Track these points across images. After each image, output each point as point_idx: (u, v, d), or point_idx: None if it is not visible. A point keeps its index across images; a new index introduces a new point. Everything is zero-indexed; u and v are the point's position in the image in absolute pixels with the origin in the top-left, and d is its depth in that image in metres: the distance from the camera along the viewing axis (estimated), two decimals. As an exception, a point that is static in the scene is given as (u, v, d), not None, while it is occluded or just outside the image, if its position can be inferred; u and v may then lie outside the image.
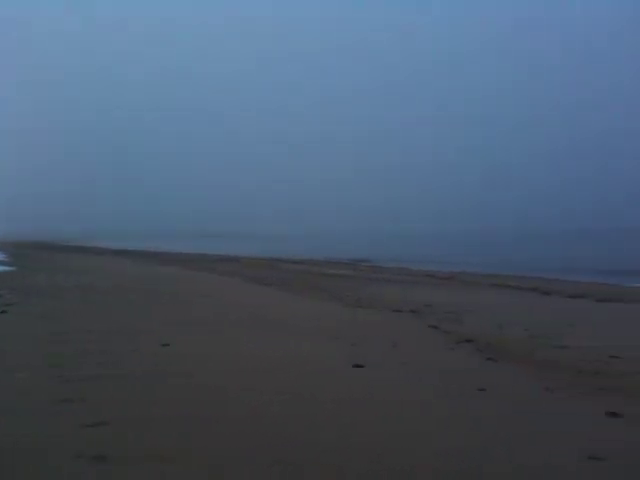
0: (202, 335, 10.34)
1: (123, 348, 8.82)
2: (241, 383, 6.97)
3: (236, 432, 5.21)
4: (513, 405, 6.62)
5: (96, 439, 4.90)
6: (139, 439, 4.97)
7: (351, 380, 7.45)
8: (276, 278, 27.21)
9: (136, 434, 5.07)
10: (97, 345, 8.97)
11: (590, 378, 8.07)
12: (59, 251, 63.33)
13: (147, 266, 36.92)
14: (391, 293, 20.35)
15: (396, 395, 6.80)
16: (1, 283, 21.16)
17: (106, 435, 5.01)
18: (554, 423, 5.97)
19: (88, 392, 6.33)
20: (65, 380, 6.83)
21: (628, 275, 31.82)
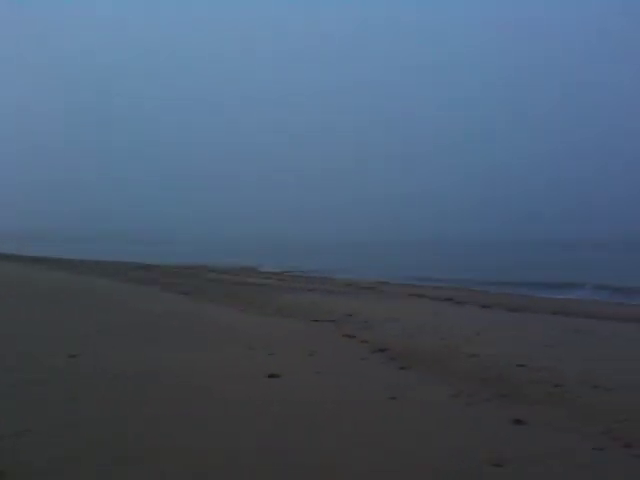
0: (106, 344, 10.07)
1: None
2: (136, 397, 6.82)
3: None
4: (421, 413, 6.76)
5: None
6: None
7: (264, 389, 7.43)
8: (194, 286, 26.81)
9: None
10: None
11: (497, 386, 8.32)
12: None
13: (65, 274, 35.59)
14: (312, 303, 20.39)
15: (307, 405, 6.82)
16: None
17: None
18: (460, 429, 6.14)
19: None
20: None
21: (536, 287, 33.29)
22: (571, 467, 5.09)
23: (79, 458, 4.83)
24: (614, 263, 60.99)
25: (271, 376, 8.05)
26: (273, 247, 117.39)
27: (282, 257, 76.57)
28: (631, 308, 23.05)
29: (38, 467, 4.55)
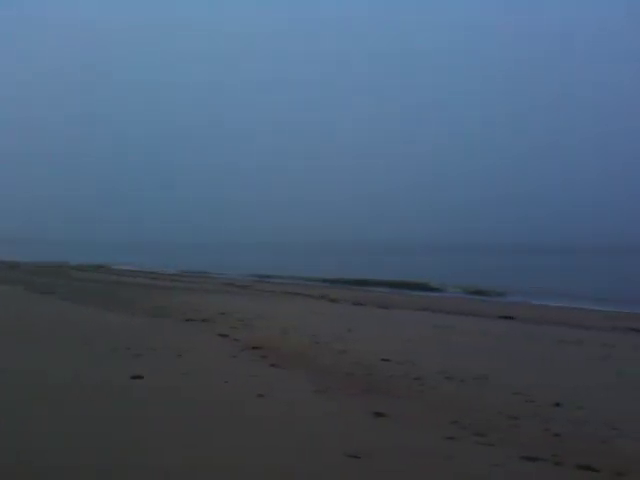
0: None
1: None
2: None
3: None
4: (288, 409, 6.85)
5: None
6: None
7: (125, 391, 7.24)
8: (63, 287, 25.62)
9: None
10: None
11: (362, 381, 8.60)
12: None
13: None
14: (187, 302, 20.09)
15: (169, 406, 6.72)
16: None
17: None
18: (322, 425, 6.29)
19: None
20: None
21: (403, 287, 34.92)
22: (424, 456, 5.35)
23: None
24: (474, 266, 64.99)
25: (134, 377, 7.85)
26: (147, 246, 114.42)
27: (157, 256, 75.02)
28: (491, 305, 24.60)
29: None
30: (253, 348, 10.89)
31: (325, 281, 37.89)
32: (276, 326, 14.05)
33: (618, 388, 8.73)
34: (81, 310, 16.86)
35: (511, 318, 19.03)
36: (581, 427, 6.58)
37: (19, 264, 46.47)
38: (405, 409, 7.07)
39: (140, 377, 7.88)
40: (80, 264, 55.74)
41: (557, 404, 7.57)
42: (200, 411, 6.55)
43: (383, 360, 10.06)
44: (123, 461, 4.80)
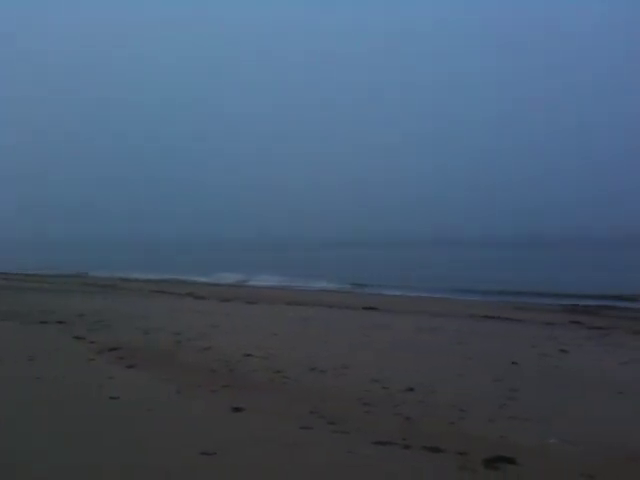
0: None
1: None
2: None
3: None
4: (142, 411, 6.64)
5: None
6: None
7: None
8: None
9: None
10: None
11: (223, 377, 8.51)
12: None
13: None
14: (42, 303, 18.99)
15: (21, 410, 6.32)
16: None
17: None
18: (179, 423, 6.15)
19: None
20: None
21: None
22: (278, 447, 5.37)
23: None
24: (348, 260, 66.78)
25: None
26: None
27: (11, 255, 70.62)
28: (355, 297, 25.29)
29: None
30: (111, 350, 10.46)
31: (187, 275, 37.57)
32: (137, 326, 13.59)
33: (468, 372, 9.23)
34: None
35: (374, 309, 19.66)
36: (431, 410, 6.90)
37: None
38: (264, 402, 7.08)
39: (-18, 385, 7.34)
40: None
41: (410, 389, 7.90)
42: (51, 414, 6.21)
43: (246, 355, 10.03)
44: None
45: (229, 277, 37.59)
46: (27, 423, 5.92)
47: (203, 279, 36.58)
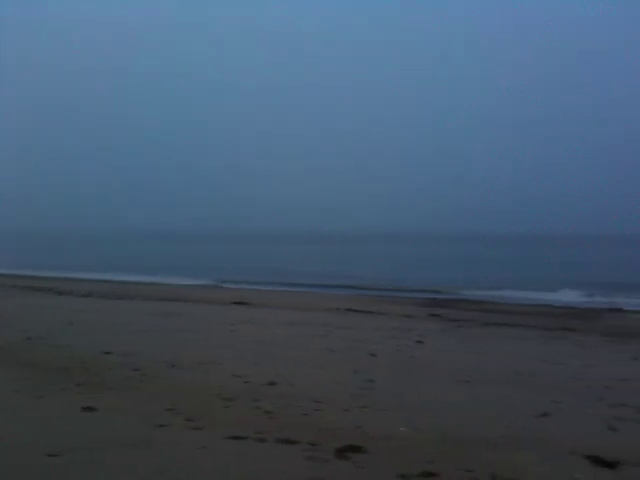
0: None
1: None
2: None
3: None
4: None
5: None
6: None
7: None
8: None
9: None
10: None
11: (77, 375, 8.14)
12: None
13: None
14: None
15: None
16: None
17: None
18: (24, 424, 5.84)
19: None
20: None
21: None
22: (129, 447, 5.23)
23: None
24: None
25: None
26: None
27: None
28: (226, 292, 25.14)
29: None
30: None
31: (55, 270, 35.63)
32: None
33: (328, 365, 9.45)
34: None
35: (243, 304, 19.64)
36: (289, 403, 6.98)
37: None
38: (119, 401, 6.86)
39: None
40: None
41: (272, 383, 7.95)
42: None
43: (105, 353, 9.67)
44: None
45: (92, 272, 36.26)
46: None
47: (67, 274, 34.95)
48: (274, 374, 8.42)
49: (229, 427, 5.89)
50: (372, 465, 4.95)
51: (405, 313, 18.20)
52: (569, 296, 26.99)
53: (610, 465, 5.09)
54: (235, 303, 19.77)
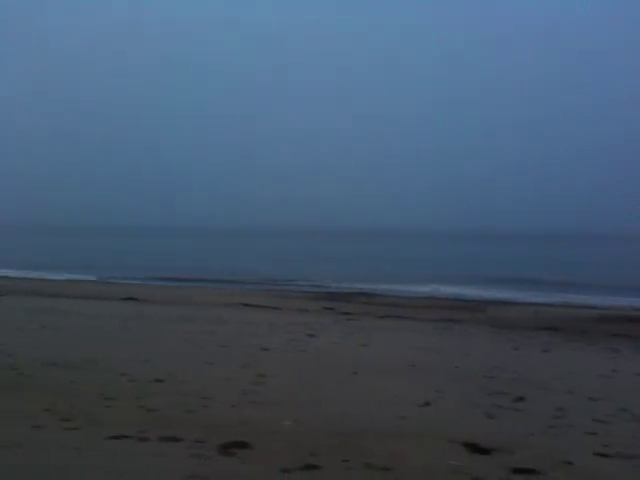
0: None
1: None
2: None
3: None
4: None
5: None
6: None
7: None
8: None
9: None
10: None
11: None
12: None
13: None
14: None
15: None
16: None
17: None
18: None
19: None
20: None
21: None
22: (1, 450, 4.95)
23: None
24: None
25: None
26: None
27: None
28: (116, 288, 24.32)
29: None
30: None
31: None
32: None
33: (219, 360, 9.33)
34: None
35: (133, 299, 19.09)
36: (176, 400, 6.83)
37: None
38: (-8, 402, 6.47)
39: None
40: None
41: (159, 380, 7.76)
42: None
43: None
44: None
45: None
46: None
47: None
48: (162, 371, 8.22)
49: (110, 427, 5.68)
50: (256, 460, 4.93)
51: (299, 307, 18.33)
52: (459, 289, 28.16)
53: (485, 451, 5.33)
54: (124, 299, 19.17)
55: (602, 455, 5.42)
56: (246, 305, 18.34)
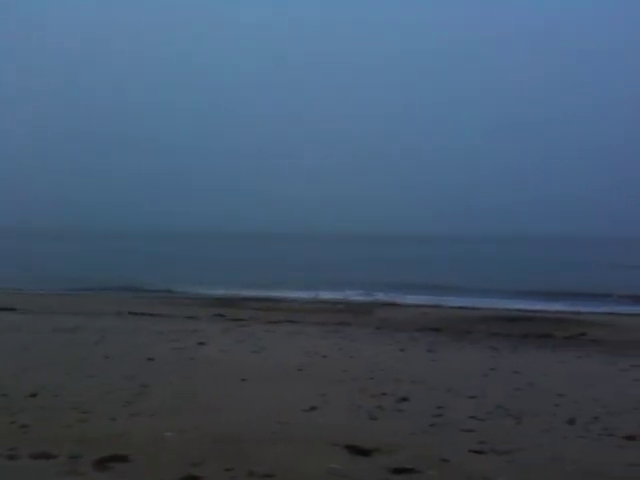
0: None
1: None
2: None
3: None
4: None
5: None
6: None
7: None
8: None
9: None
10: None
11: None
12: None
13: None
14: None
15: None
16: None
17: None
18: None
19: None
20: None
21: None
22: None
23: None
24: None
25: None
26: None
27: None
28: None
29: None
30: None
31: None
32: None
33: (101, 372, 8.99)
34: None
35: (11, 309, 18.01)
36: (51, 415, 6.51)
37: None
38: None
39: None
40: None
41: (33, 394, 7.36)
42: None
43: None
44: None
45: None
46: None
47: None
48: (37, 385, 7.80)
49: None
50: (134, 474, 4.78)
51: (189, 314, 17.96)
52: (350, 294, 28.62)
53: (366, 453, 5.43)
54: (1, 309, 18.03)
55: (477, 452, 5.66)
56: (133, 313, 17.75)
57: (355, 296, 28.32)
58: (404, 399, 7.66)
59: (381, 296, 28.20)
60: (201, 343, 11.92)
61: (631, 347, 13.24)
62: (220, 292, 28.22)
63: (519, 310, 23.07)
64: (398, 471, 5.03)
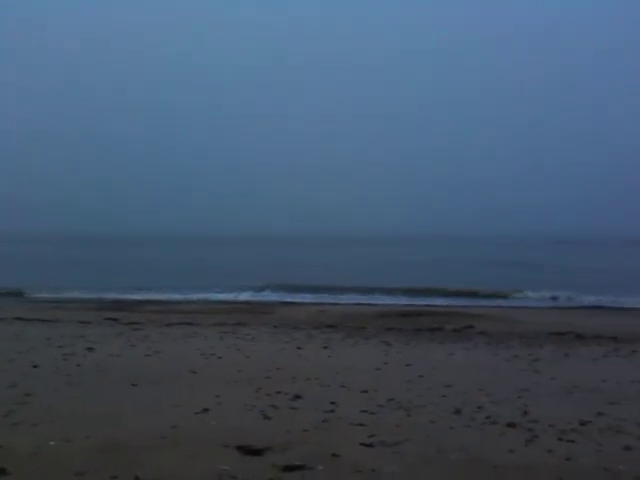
0: None
1: None
2: None
3: None
4: None
5: None
6: None
7: None
8: None
9: None
10: None
11: None
12: None
13: None
14: None
15: None
16: None
17: None
18: None
19: None
20: None
21: None
22: None
23: None
24: None
25: None
26: None
27: None
28: None
29: None
30: None
31: None
32: None
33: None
34: None
35: None
36: None
37: None
38: None
39: None
40: None
41: None
42: None
43: None
44: None
45: None
46: None
47: None
48: None
49: None
50: (11, 487, 4.54)
51: (80, 319, 17.28)
52: (247, 295, 28.52)
53: (258, 452, 5.43)
54: None
55: (367, 445, 5.79)
56: (20, 319, 16.87)
57: (255, 297, 28.30)
58: (298, 397, 7.72)
59: (281, 296, 28.34)
60: (91, 349, 11.50)
61: (515, 338, 13.97)
62: (115, 296, 27.34)
63: (412, 305, 23.85)
64: (289, 468, 5.07)
